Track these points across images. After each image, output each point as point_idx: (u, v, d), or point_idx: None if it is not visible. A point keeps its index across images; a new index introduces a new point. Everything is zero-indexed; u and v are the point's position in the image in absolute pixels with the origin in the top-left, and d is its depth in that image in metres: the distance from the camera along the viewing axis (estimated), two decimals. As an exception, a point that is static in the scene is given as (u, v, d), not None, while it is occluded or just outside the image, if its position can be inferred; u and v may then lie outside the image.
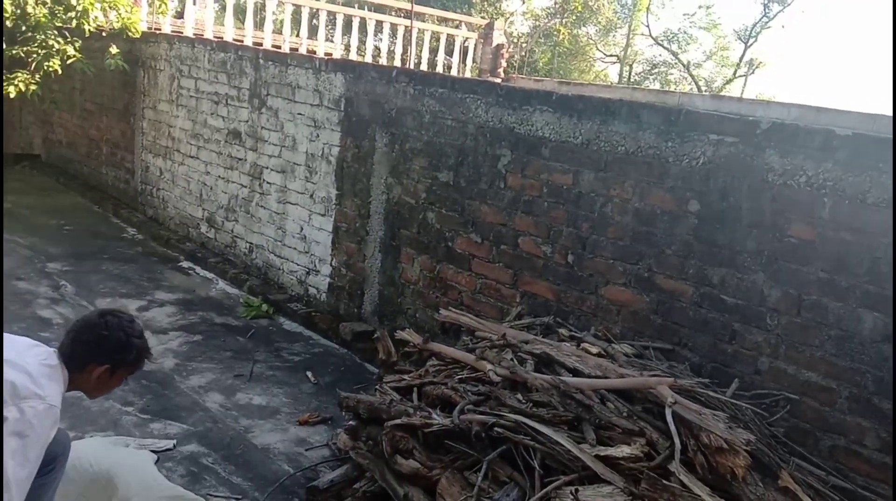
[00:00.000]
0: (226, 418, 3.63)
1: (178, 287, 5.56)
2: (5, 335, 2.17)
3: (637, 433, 2.53)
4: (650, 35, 23.52)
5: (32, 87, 7.10)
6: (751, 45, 22.47)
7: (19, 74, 7.07)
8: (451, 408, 2.78)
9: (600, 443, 2.53)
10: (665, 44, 23.92)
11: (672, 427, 2.43)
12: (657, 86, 23.39)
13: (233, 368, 4.22)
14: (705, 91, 21.38)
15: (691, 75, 23.79)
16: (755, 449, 2.43)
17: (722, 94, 18.27)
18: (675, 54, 23.96)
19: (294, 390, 4.07)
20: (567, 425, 2.59)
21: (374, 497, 2.85)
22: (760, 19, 21.77)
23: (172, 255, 6.39)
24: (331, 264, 5.10)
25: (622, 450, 2.43)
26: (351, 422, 3.07)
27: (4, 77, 7.10)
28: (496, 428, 2.59)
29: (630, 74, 23.81)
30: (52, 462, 2.34)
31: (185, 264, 6.18)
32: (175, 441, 3.32)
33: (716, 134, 3.06)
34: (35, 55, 6.96)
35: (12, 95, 7.04)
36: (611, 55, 25.16)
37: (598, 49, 24.95)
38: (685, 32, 24.39)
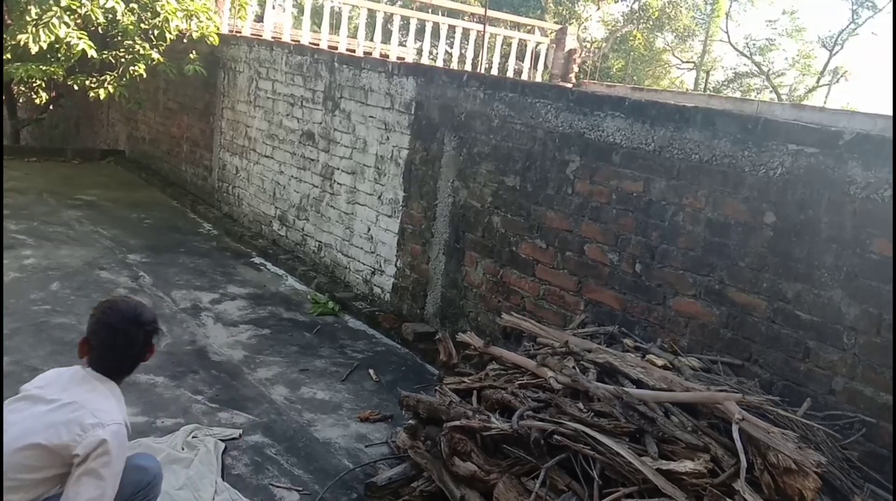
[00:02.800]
0: (290, 411, 3.73)
1: (250, 282, 5.73)
2: (41, 378, 2.26)
3: (701, 448, 2.46)
4: (728, 41, 22.85)
5: (120, 89, 7.48)
6: (836, 52, 21.57)
7: (107, 77, 7.46)
8: (511, 413, 2.77)
9: (663, 457, 2.47)
10: (745, 51, 23.20)
11: (738, 444, 2.36)
12: (737, 94, 22.70)
13: (298, 362, 4.32)
14: (786, 100, 20.62)
15: (771, 83, 23.00)
16: (826, 472, 2.33)
17: (803, 103, 17.59)
18: (755, 62, 23.21)
19: (356, 387, 4.13)
20: (629, 437, 2.54)
21: (431, 497, 2.87)
22: (848, 26, 20.87)
23: (245, 251, 6.59)
24: (395, 265, 5.16)
25: (685, 465, 2.37)
26: (410, 421, 3.10)
27: (94, 80, 7.49)
28: (556, 436, 2.57)
29: (707, 81, 23.18)
30: (148, 487, 2.39)
31: (257, 259, 6.37)
32: (241, 431, 3.43)
33: (795, 144, 2.95)
34: (122, 60, 7.33)
35: (102, 97, 7.43)
36: (687, 62, 24.58)
37: (674, 55, 24.43)
38: (767, 39, 23.60)
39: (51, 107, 11.50)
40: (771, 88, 22.92)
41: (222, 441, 3.28)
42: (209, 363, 4.16)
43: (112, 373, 2.24)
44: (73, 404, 2.09)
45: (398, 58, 8.68)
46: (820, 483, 2.24)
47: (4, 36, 6.98)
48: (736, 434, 2.39)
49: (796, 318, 2.97)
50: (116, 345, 2.22)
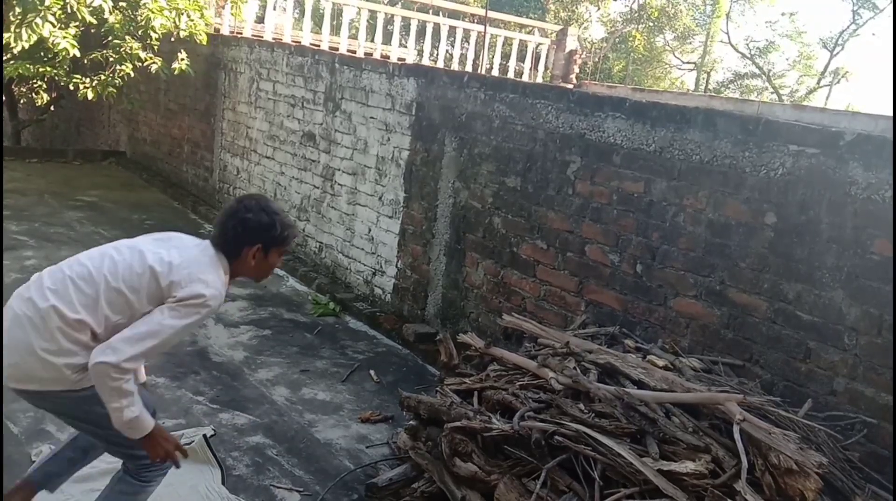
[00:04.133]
0: (291, 411, 3.73)
1: (250, 283, 5.73)
2: (170, 235, 2.47)
3: (702, 449, 2.46)
4: (729, 42, 22.86)
5: (110, 89, 7.45)
6: (837, 53, 21.58)
7: (98, 77, 7.44)
8: (511, 414, 2.77)
9: (664, 458, 2.47)
10: (746, 52, 23.21)
11: (739, 445, 2.36)
12: (737, 95, 22.71)
13: (299, 363, 4.32)
14: (787, 101, 20.63)
15: (772, 84, 23.00)
16: (827, 473, 2.33)
17: (804, 104, 17.60)
18: (755, 63, 23.22)
19: (357, 388, 4.13)
20: (630, 437, 2.54)
21: (432, 498, 2.87)
22: (849, 27, 20.88)
23: (245, 251, 6.58)
24: (396, 266, 5.16)
25: (686, 466, 2.37)
26: (411, 422, 3.10)
27: (85, 80, 7.47)
28: (556, 437, 2.57)
29: (707, 82, 23.19)
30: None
31: (257, 260, 6.36)
32: (213, 428, 3.41)
33: (796, 145, 2.96)
34: (111, 59, 7.31)
35: (90, 97, 7.41)
36: (688, 63, 24.59)
37: (674, 56, 24.44)
38: (767, 40, 23.61)
39: (52, 108, 11.50)
40: (772, 89, 22.93)
41: (205, 437, 3.25)
42: (210, 364, 4.17)
43: (221, 248, 2.36)
44: (193, 259, 2.27)
45: (399, 59, 8.69)
46: (821, 483, 2.25)
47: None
48: (737, 435, 2.39)
49: (797, 318, 2.97)
50: (226, 223, 2.36)
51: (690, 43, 23.87)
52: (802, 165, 2.94)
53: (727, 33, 22.81)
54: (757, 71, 23.44)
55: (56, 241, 6.07)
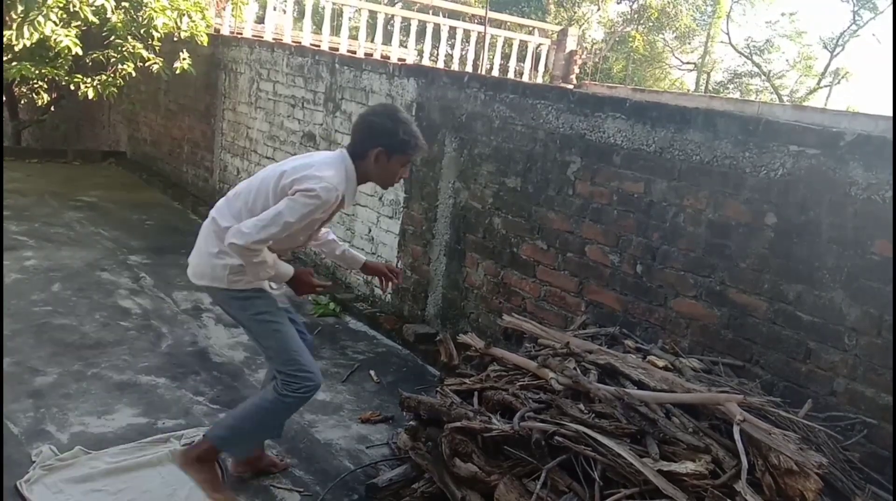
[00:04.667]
0: (291, 412, 3.72)
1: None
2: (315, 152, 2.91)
3: (702, 449, 2.46)
4: (729, 43, 22.87)
5: (111, 89, 7.47)
6: (837, 54, 21.58)
7: (98, 77, 7.45)
8: (512, 414, 2.77)
9: (664, 458, 2.47)
10: (746, 52, 23.22)
11: (739, 446, 2.36)
12: (737, 95, 22.71)
13: (299, 364, 4.32)
14: (787, 101, 20.64)
15: (772, 85, 23.02)
16: (827, 473, 2.33)
17: (805, 104, 17.60)
18: (755, 63, 23.23)
19: (357, 388, 4.13)
20: (630, 438, 2.54)
21: (432, 498, 2.87)
22: (849, 27, 20.89)
23: (245, 252, 6.58)
24: (396, 266, 5.16)
25: (686, 466, 2.37)
26: (411, 423, 3.10)
27: (85, 79, 7.48)
28: (557, 437, 2.57)
29: (708, 82, 23.20)
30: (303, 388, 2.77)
31: (258, 261, 6.36)
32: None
33: (796, 145, 2.96)
34: (113, 59, 7.33)
35: (90, 97, 7.43)
36: (688, 63, 24.60)
37: (674, 56, 24.45)
38: (768, 41, 23.62)
39: (52, 108, 11.51)
40: (772, 90, 22.93)
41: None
42: (210, 365, 4.17)
43: (350, 151, 2.66)
44: (317, 161, 2.61)
45: (399, 59, 8.70)
46: (821, 484, 2.24)
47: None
48: (737, 435, 2.39)
49: (797, 319, 2.97)
50: (355, 126, 2.68)
51: (690, 43, 23.88)
52: (803, 166, 2.94)
53: (727, 33, 22.86)
54: (757, 71, 23.45)
55: (56, 241, 6.07)
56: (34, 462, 2.96)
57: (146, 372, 3.94)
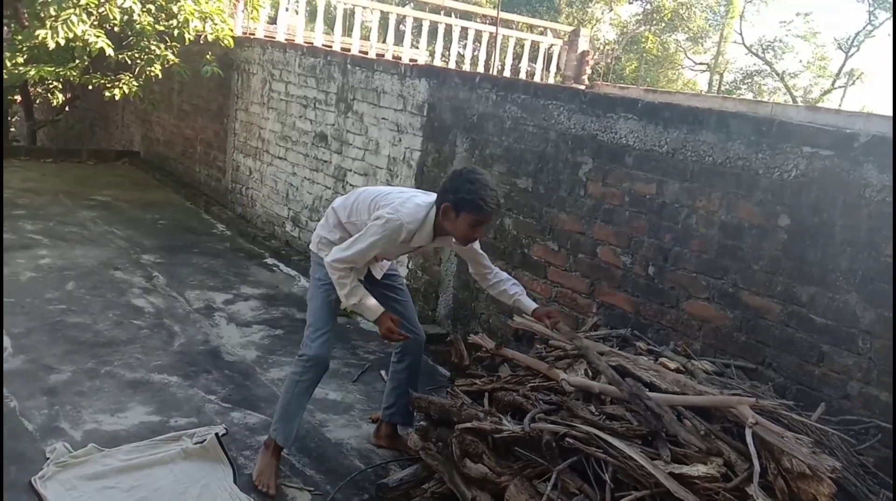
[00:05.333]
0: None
1: (263, 283, 5.76)
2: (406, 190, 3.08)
3: (714, 452, 2.45)
4: (743, 43, 22.73)
5: (134, 89, 7.56)
6: (852, 55, 21.41)
7: (123, 77, 7.54)
8: (522, 415, 2.77)
9: (675, 461, 2.46)
10: (759, 52, 23.07)
11: (752, 449, 2.35)
12: (750, 96, 22.57)
13: (310, 363, 4.33)
14: (801, 102, 20.49)
15: (786, 86, 22.86)
16: (841, 478, 2.31)
17: (818, 105, 17.47)
18: (769, 63, 23.07)
19: (368, 388, 4.14)
20: (641, 440, 2.53)
21: (442, 499, 2.87)
22: (864, 28, 20.72)
23: (258, 252, 6.62)
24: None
25: (698, 469, 2.36)
26: (422, 423, 3.10)
27: (110, 80, 7.58)
28: (567, 439, 2.56)
29: (720, 83, 23.07)
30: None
31: (270, 260, 6.40)
32: (225, 427, 3.43)
33: (810, 146, 2.94)
34: (138, 60, 7.42)
35: (117, 97, 7.52)
36: (701, 63, 24.48)
37: (687, 57, 24.34)
38: (781, 41, 23.46)
39: (66, 108, 11.62)
40: (785, 90, 22.78)
41: (217, 436, 3.27)
42: (222, 363, 4.19)
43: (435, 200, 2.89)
44: (404, 198, 2.90)
45: (411, 60, 8.71)
46: (835, 488, 2.23)
47: (19, 37, 7.08)
48: (749, 439, 2.38)
49: (811, 322, 2.95)
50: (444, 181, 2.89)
51: (703, 44, 23.76)
52: (816, 167, 2.92)
53: (740, 34, 22.72)
54: (770, 71, 23.29)
55: (70, 240, 6.12)
56: (48, 458, 2.99)
57: (159, 371, 3.96)
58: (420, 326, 3.43)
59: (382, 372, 4.34)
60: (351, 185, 5.79)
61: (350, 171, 5.80)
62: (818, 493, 2.20)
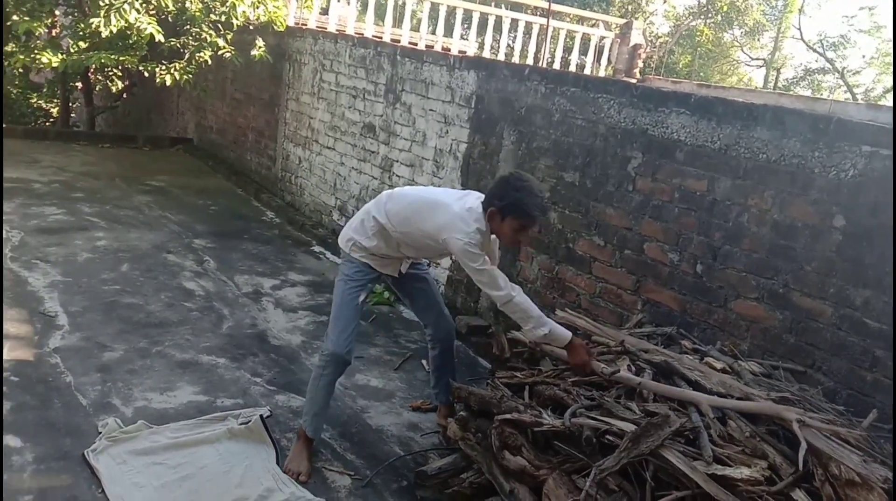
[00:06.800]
0: (344, 397, 3.80)
1: (309, 270, 5.85)
2: (444, 190, 3.18)
3: (759, 454, 2.40)
4: (801, 38, 22.04)
5: (185, 76, 7.73)
6: (919, 50, 20.54)
7: (176, 64, 7.73)
8: (563, 410, 2.76)
9: (718, 462, 2.42)
10: (819, 48, 22.34)
11: (802, 448, 2.29)
12: (808, 93, 21.89)
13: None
14: (862, 100, 19.78)
15: (846, 82, 22.09)
16: (892, 488, 2.25)
17: (880, 103, 16.84)
18: (828, 60, 22.32)
19: (409, 376, 4.18)
20: (684, 439, 2.50)
21: (480, 489, 2.88)
22: (933, 23, 19.85)
23: (306, 239, 6.73)
24: (451, 258, 5.18)
25: (741, 472, 2.32)
26: (462, 413, 3.12)
27: (162, 67, 7.77)
28: (608, 436, 2.55)
29: (777, 79, 22.42)
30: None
31: (317, 248, 6.50)
32: (270, 409, 3.49)
33: (869, 146, 2.84)
34: (189, 46, 7.59)
35: (168, 83, 7.70)
36: (757, 59, 23.83)
37: (743, 52, 23.72)
38: (843, 36, 22.66)
39: (124, 95, 11.96)
40: (845, 88, 22.02)
41: (261, 417, 3.33)
42: (268, 347, 4.28)
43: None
44: (447, 206, 2.95)
45: (460, 51, 8.70)
46: (886, 498, 2.16)
47: (81, 25, 7.30)
48: (803, 444, 2.32)
49: (864, 325, 2.86)
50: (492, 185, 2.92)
51: (760, 39, 23.12)
52: (875, 167, 2.82)
53: (799, 28, 22.01)
54: (830, 68, 22.54)
55: (126, 223, 6.32)
56: (100, 432, 3.10)
57: (207, 352, 4.07)
58: (448, 313, 3.47)
59: (424, 361, 4.37)
60: (397, 176, 5.82)
61: (397, 162, 5.84)
62: (867, 501, 2.14)
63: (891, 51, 22.36)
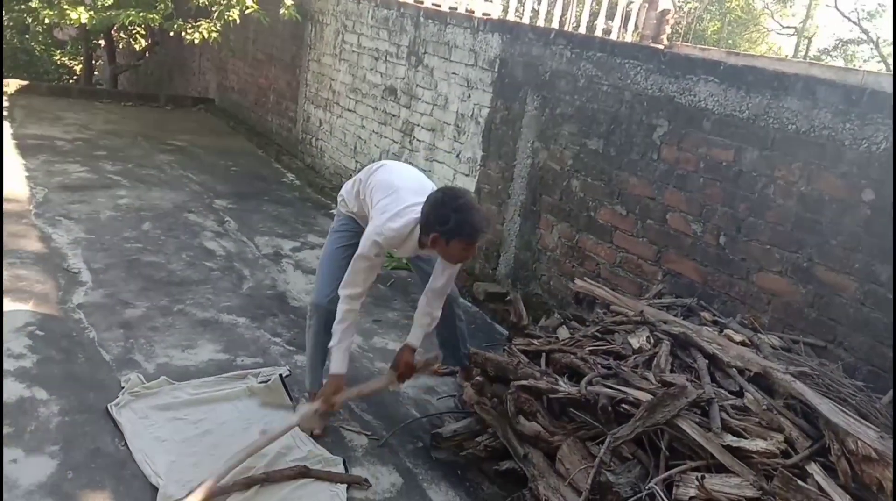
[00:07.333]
0: (362, 358, 3.83)
1: (324, 234, 5.86)
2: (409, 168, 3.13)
3: (775, 427, 2.40)
4: (835, 6, 21.39)
5: (213, 34, 7.70)
6: (958, 21, 19.88)
7: (203, 23, 7.69)
8: (579, 378, 2.77)
9: (734, 434, 2.42)
10: (853, 17, 21.68)
11: (823, 411, 2.28)
12: (840, 63, 21.33)
13: (372, 313, 4.41)
14: (896, 71, 19.22)
15: (881, 54, 21.46)
16: (892, 489, 2.23)
17: (915, 75, 16.32)
18: (863, 30, 21.68)
19: (426, 340, 4.19)
20: (700, 410, 2.50)
21: (494, 452, 2.91)
22: (974, -8, 19.16)
23: (325, 202, 6.74)
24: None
25: (757, 444, 2.32)
26: (478, 378, 3.14)
27: (189, 25, 7.73)
28: (624, 405, 2.55)
29: (808, 48, 21.86)
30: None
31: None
32: (289, 368, 3.53)
33: (904, 118, 2.77)
34: (218, 5, 7.54)
35: (197, 42, 7.68)
36: (788, 27, 23.21)
37: (773, 19, 23.10)
38: (879, 4, 21.95)
39: (147, 54, 11.94)
40: (879, 58, 21.41)
41: (281, 377, 3.38)
42: (288, 308, 4.32)
43: (420, 222, 2.75)
44: (393, 199, 2.85)
45: (484, 14, 8.55)
46: (901, 473, 2.16)
47: None
48: (826, 414, 2.31)
49: (888, 302, 2.82)
50: (423, 207, 2.73)
51: (791, 6, 22.49)
52: (910, 140, 2.75)
53: (834, -4, 21.37)
54: (865, 38, 21.90)
55: (148, 182, 6.36)
56: (123, 387, 3.16)
57: (228, 311, 4.11)
58: (457, 290, 3.46)
59: (441, 327, 4.38)
60: (418, 140, 5.79)
61: (417, 126, 5.80)
62: (884, 477, 2.13)
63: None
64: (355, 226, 3.16)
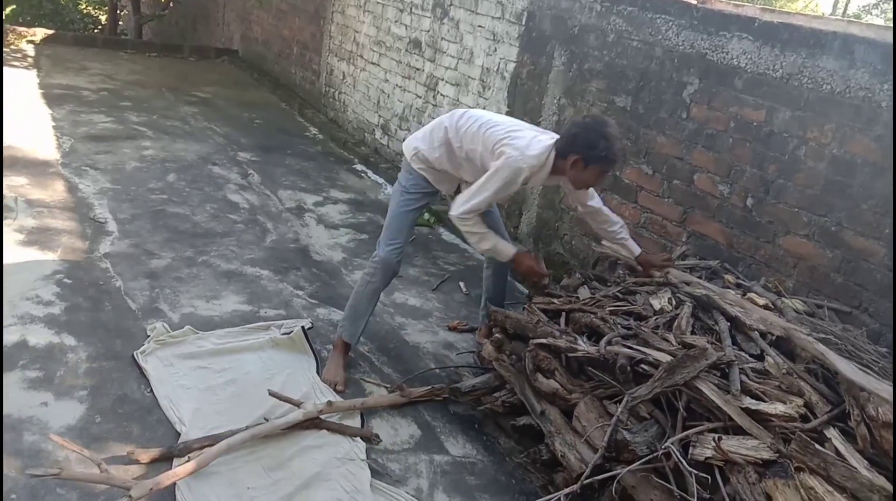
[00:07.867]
0: (383, 313, 3.87)
1: (351, 188, 5.87)
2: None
3: (795, 391, 2.39)
4: (880, -40, 20.51)
5: None
6: None
7: None
8: (598, 338, 2.77)
9: (753, 397, 2.41)
10: (897, -28, 20.77)
11: (850, 377, 2.27)
12: (881, 22, 20.55)
13: (392, 269, 4.44)
14: (939, 30, 18.47)
15: (924, 11, 20.61)
16: (893, 489, 2.22)
17: (959, 34, 15.68)
18: (907, -15, 20.76)
19: (447, 297, 4.22)
20: (720, 373, 2.49)
21: (512, 408, 2.95)
22: None
23: (348, 157, 6.72)
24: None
25: (776, 407, 2.31)
26: (497, 335, 3.16)
27: None
28: (642, 365, 2.55)
29: (847, 6, 21.07)
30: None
31: (359, 166, 6.50)
32: (311, 321, 3.58)
33: (947, 78, 2.67)
34: None
35: None
36: (828, -18, 22.32)
37: (813, -26, 22.21)
38: (926, -41, 21.01)
39: (171, 4, 11.86)
40: (923, 16, 20.58)
41: (303, 328, 3.42)
42: (310, 262, 4.35)
43: (557, 145, 2.87)
44: (529, 138, 2.92)
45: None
46: (922, 442, 2.14)
47: None
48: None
49: (919, 268, 2.77)
50: (568, 129, 2.87)
51: (834, -40, 21.59)
52: (951, 102, 2.66)
53: (879, -50, 20.48)
54: (908, -6, 21.02)
55: (172, 133, 6.38)
56: (149, 336, 3.23)
57: (251, 264, 4.16)
58: (507, 234, 3.45)
59: (461, 284, 4.40)
60: (442, 95, 5.72)
61: (442, 80, 5.72)
62: (903, 443, 2.12)
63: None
64: (427, 186, 3.18)
